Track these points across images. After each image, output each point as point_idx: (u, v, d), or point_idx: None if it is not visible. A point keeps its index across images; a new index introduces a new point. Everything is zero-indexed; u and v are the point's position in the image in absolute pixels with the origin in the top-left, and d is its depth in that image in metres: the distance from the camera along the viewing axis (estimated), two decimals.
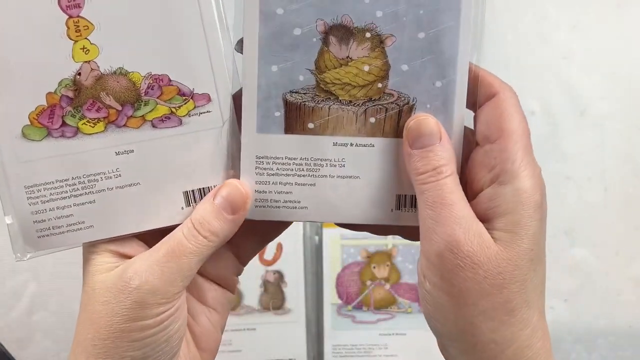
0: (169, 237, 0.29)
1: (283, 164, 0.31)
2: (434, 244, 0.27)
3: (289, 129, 0.30)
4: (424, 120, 0.29)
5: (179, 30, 0.30)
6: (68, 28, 0.29)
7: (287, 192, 0.31)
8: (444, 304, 0.27)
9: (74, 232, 0.31)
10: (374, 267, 0.53)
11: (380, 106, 0.30)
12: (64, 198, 0.30)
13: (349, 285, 0.53)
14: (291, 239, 0.52)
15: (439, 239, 0.27)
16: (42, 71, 0.30)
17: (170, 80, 0.31)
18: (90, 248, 0.31)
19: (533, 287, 0.28)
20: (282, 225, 0.33)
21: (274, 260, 0.52)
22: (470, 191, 0.29)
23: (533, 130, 0.56)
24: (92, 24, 0.29)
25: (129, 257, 0.30)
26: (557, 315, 0.54)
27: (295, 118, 0.30)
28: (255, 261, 0.45)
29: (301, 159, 0.30)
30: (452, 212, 0.27)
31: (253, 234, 0.33)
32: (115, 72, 0.30)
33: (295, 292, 0.52)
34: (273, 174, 0.31)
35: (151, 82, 0.30)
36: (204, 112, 0.31)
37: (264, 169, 0.31)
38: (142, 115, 0.31)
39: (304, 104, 0.30)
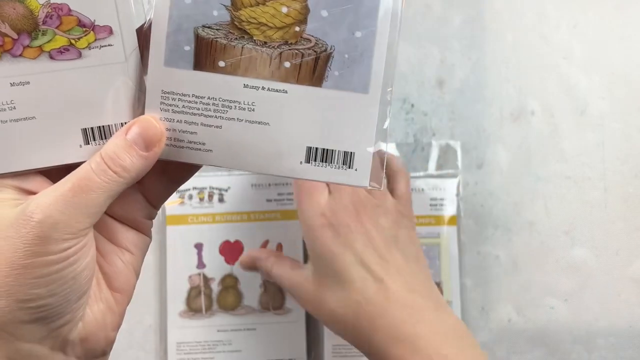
0: (76, 171, 0.28)
1: (189, 101, 0.29)
2: None
3: (198, 65, 0.29)
4: (245, 256, 0.48)
5: None
6: None
7: (192, 132, 0.29)
8: None
9: None
10: None
11: (296, 51, 0.29)
12: None
13: None
14: (291, 239, 0.52)
15: None
16: None
17: (70, 10, 0.29)
18: None
19: None
20: (193, 168, 0.32)
21: None
22: None
23: (533, 130, 0.56)
24: None
25: (34, 194, 0.29)
26: (557, 315, 0.54)
27: (205, 54, 0.29)
28: None
29: (209, 98, 0.29)
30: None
31: (162, 174, 0.32)
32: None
33: None
34: (178, 112, 0.29)
35: (50, 10, 0.29)
36: (105, 46, 0.29)
37: (169, 105, 0.29)
38: (40, 46, 0.29)
39: (216, 41, 0.29)
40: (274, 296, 0.50)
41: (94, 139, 0.30)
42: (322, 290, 0.41)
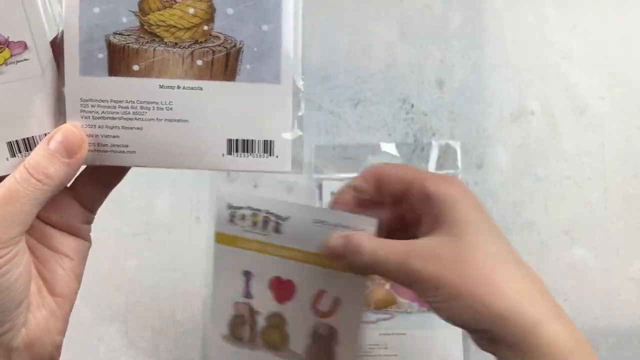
0: (1, 184, 0.29)
1: (108, 107, 0.30)
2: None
3: (113, 71, 0.30)
4: (328, 242, 0.36)
5: None
6: None
7: (114, 136, 0.30)
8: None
9: None
10: None
11: (207, 48, 0.30)
12: None
13: None
14: (352, 297, 0.44)
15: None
16: None
17: None
18: None
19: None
20: (122, 170, 0.32)
21: None
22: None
23: (533, 130, 0.56)
24: None
25: None
26: None
27: (119, 60, 0.30)
28: None
29: (127, 101, 0.30)
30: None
31: (93, 179, 0.32)
32: None
33: None
34: (99, 117, 0.30)
35: None
36: (21, 61, 0.30)
37: (89, 112, 0.30)
38: None
39: (128, 46, 0.29)
40: (324, 350, 0.42)
41: (20, 151, 0.30)
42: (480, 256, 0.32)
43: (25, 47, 0.30)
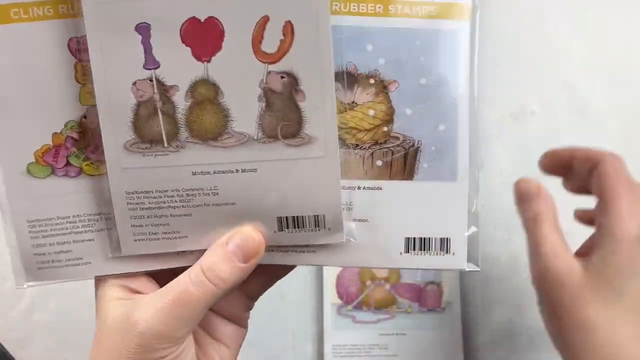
0: (176, 281, 0.30)
1: None
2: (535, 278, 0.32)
3: None
4: (527, 181, 0.34)
5: None
6: (76, 71, 0.30)
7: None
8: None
9: (73, 267, 0.32)
10: None
11: (386, 149, 0.31)
12: (64, 234, 0.31)
13: (348, 285, 0.52)
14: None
15: (536, 273, 0.31)
16: (49, 111, 0.30)
17: None
18: (101, 281, 0.32)
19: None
20: (289, 266, 0.33)
21: None
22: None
23: (533, 130, 0.56)
24: None
25: (137, 293, 0.31)
26: None
27: None
28: None
29: None
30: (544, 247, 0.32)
31: (264, 272, 0.33)
32: None
33: None
34: None
35: None
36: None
37: None
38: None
39: None
40: (285, 116, 0.30)
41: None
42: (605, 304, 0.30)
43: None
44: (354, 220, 0.31)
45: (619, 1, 0.57)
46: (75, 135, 0.30)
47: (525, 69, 0.56)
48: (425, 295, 0.52)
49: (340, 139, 0.30)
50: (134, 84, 0.29)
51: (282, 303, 0.53)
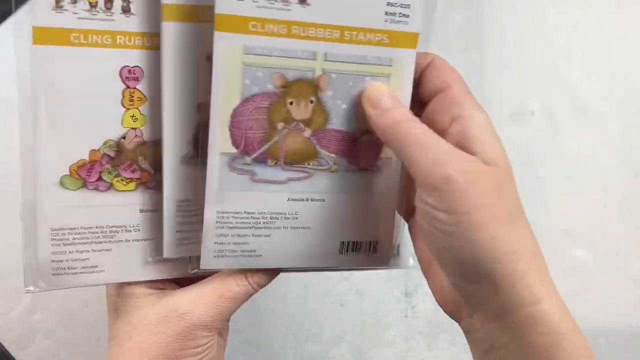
0: (219, 280, 0.34)
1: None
2: (424, 179, 0.28)
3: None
4: (376, 85, 0.32)
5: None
6: (123, 97, 0.32)
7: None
8: (457, 231, 0.27)
9: (87, 274, 0.34)
10: (291, 103, 0.33)
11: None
12: (85, 243, 0.34)
13: (250, 127, 0.33)
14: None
15: (426, 173, 0.28)
16: (92, 130, 0.33)
17: None
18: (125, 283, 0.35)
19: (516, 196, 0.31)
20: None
21: None
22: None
23: (533, 130, 0.56)
24: (145, 97, 0.33)
25: (161, 289, 0.35)
26: None
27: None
28: None
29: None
30: (436, 147, 0.28)
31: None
32: (155, 142, 0.33)
33: None
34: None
35: None
36: None
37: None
38: None
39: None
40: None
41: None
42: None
43: None
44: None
45: (619, 1, 0.57)
46: (112, 154, 0.33)
47: (525, 69, 0.56)
48: (358, 149, 0.35)
49: None
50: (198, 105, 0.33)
51: (283, 303, 0.53)
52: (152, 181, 0.34)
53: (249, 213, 0.34)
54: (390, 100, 0.31)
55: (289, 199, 0.34)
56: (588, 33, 0.57)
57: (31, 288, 0.33)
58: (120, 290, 0.35)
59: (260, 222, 0.34)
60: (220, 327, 0.34)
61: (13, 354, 0.51)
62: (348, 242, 0.35)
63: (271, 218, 0.34)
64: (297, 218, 0.34)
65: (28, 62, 0.31)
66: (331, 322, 0.53)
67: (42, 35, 0.31)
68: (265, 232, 0.34)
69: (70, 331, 0.52)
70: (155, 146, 0.33)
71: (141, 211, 0.34)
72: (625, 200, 0.55)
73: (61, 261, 0.33)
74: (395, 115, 0.30)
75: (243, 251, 0.34)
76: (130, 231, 0.34)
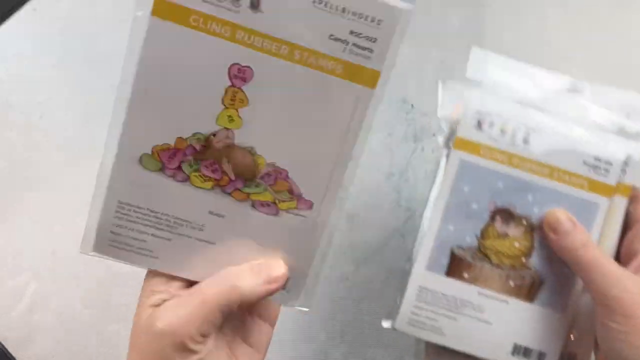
0: (199, 288, 0.33)
1: (439, 298, 0.38)
2: (599, 306, 0.34)
3: (450, 273, 0.38)
4: (557, 211, 0.37)
5: (318, 142, 0.33)
6: (225, 94, 0.31)
7: (435, 321, 0.38)
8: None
9: (140, 255, 0.34)
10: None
11: (520, 275, 0.38)
12: (147, 225, 0.33)
13: None
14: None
15: (600, 293, 0.34)
16: (184, 117, 0.32)
17: (287, 177, 0.33)
18: (148, 276, 0.35)
19: None
20: None
21: None
22: (628, 260, 0.37)
23: None
24: (247, 100, 0.32)
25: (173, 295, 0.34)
26: None
27: (455, 267, 0.38)
28: None
29: (452, 297, 0.38)
30: (605, 272, 0.35)
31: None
32: (244, 148, 0.32)
33: None
34: (429, 303, 0.38)
35: (271, 171, 0.33)
36: (299, 215, 0.34)
37: (424, 299, 0.38)
38: (249, 193, 0.33)
39: (465, 259, 0.38)
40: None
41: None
42: None
43: (310, 207, 0.34)
44: (482, 321, 0.38)
45: (618, 1, 0.57)
46: (197, 147, 0.32)
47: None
48: None
49: (487, 257, 0.38)
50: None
51: None
52: (229, 186, 0.33)
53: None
54: (568, 224, 0.36)
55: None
56: (588, 33, 0.57)
57: (86, 251, 0.34)
58: (145, 282, 0.35)
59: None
60: (204, 337, 0.33)
61: (13, 354, 0.51)
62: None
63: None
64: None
65: (142, 32, 0.30)
66: (331, 322, 0.53)
67: (164, 8, 0.30)
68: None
69: (71, 331, 0.52)
70: (243, 152, 0.33)
71: (210, 213, 0.33)
72: None
73: (120, 234, 0.33)
74: (572, 239, 0.36)
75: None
76: (194, 228, 0.33)
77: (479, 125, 0.38)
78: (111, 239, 0.33)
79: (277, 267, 0.34)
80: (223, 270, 0.34)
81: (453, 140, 0.38)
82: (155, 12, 0.30)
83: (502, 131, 0.38)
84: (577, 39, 0.56)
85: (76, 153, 0.54)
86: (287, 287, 0.35)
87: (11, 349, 0.51)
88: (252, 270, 0.33)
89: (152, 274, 0.35)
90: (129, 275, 0.53)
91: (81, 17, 0.57)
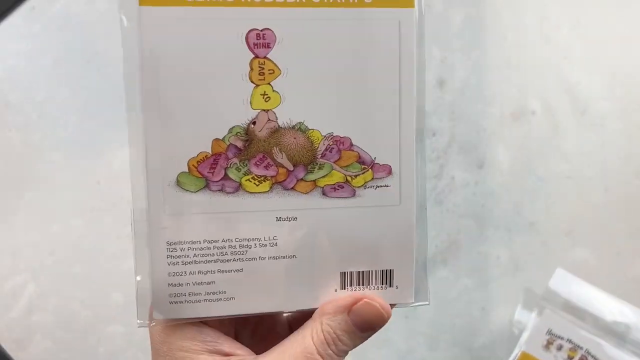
0: (296, 338, 0.27)
1: None
2: None
3: None
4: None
5: (372, 89, 0.27)
6: (251, 69, 0.26)
7: None
8: None
9: (212, 302, 0.27)
10: None
11: None
12: (209, 262, 0.27)
13: None
14: None
15: None
16: (213, 114, 0.26)
17: (351, 145, 0.27)
18: (183, 348, 0.26)
19: None
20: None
21: None
22: None
23: (534, 130, 0.56)
24: (278, 68, 0.26)
25: (227, 355, 0.27)
26: None
27: None
28: None
29: None
30: None
31: None
32: (293, 127, 0.27)
33: None
34: None
35: (331, 143, 0.27)
36: (381, 186, 0.28)
37: None
38: (314, 180, 0.27)
39: None
40: None
41: (351, 284, 0.28)
42: None
43: (390, 172, 0.28)
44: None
45: (618, 1, 0.57)
46: (239, 144, 0.26)
47: (526, 69, 0.56)
48: None
49: None
50: None
51: None
52: (289, 180, 0.27)
53: None
54: None
55: None
56: (589, 32, 0.56)
57: (142, 321, 0.27)
58: (166, 338, 0.27)
59: None
60: None
61: (12, 354, 0.51)
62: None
63: None
64: None
65: (134, 30, 0.25)
66: None
67: None
68: None
69: (69, 332, 0.51)
70: (293, 133, 0.27)
71: (278, 219, 0.27)
72: (626, 200, 0.55)
73: (180, 285, 0.26)
74: None
75: None
76: (265, 246, 0.27)
77: (547, 345, 0.38)
78: (172, 295, 0.26)
79: (374, 311, 0.27)
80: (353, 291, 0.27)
81: (517, 356, 0.37)
82: (143, 1, 0.25)
83: (569, 358, 0.37)
84: (578, 39, 0.56)
85: (75, 152, 0.54)
86: (395, 282, 0.28)
87: (9, 349, 0.51)
88: (347, 321, 0.27)
89: (196, 327, 0.27)
90: (129, 274, 0.53)
91: (80, 15, 0.57)
